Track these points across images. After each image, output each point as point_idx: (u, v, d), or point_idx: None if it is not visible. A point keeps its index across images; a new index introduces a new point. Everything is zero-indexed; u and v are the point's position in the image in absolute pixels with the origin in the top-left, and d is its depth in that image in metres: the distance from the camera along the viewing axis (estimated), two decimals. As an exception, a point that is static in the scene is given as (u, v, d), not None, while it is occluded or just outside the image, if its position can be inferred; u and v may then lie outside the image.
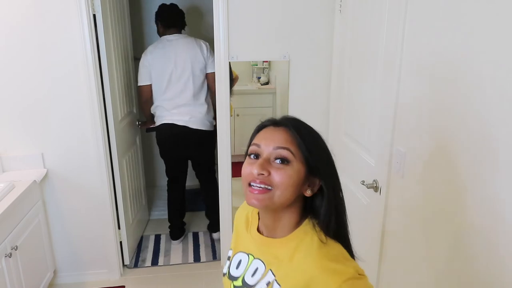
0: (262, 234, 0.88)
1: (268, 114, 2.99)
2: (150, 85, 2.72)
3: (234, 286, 0.89)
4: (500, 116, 1.04)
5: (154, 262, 2.79)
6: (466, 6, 1.16)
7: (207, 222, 3.20)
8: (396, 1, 1.55)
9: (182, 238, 3.04)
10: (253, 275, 0.85)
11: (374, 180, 1.81)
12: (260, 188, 0.79)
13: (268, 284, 0.81)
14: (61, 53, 2.20)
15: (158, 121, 2.77)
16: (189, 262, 2.80)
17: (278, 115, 0.89)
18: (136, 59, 3.13)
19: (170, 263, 2.78)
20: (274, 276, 0.80)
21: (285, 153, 0.79)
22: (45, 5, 2.12)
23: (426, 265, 1.43)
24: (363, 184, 1.86)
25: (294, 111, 2.44)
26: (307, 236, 0.81)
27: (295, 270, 0.78)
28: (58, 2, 2.12)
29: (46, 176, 2.35)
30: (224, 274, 0.94)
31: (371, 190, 1.83)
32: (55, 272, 2.53)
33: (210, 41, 2.63)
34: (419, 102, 1.43)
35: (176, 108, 2.69)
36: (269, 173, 0.78)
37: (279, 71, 2.62)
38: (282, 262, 0.81)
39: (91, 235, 2.52)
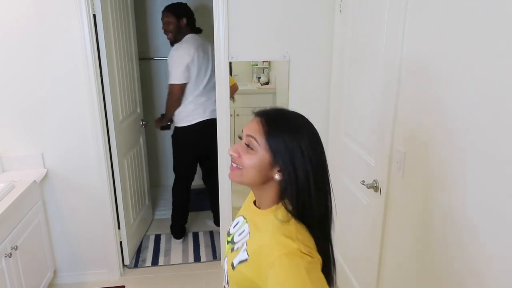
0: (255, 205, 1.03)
1: (268, 114, 3.01)
2: (185, 84, 2.71)
3: (227, 241, 1.07)
4: (498, 117, 1.04)
5: (154, 262, 2.79)
6: (466, 6, 1.16)
7: (206, 222, 3.20)
8: (396, 1, 1.55)
9: (184, 237, 3.04)
10: (239, 235, 1.00)
11: (374, 180, 1.81)
12: (234, 166, 0.96)
13: (242, 244, 0.96)
14: (61, 53, 2.20)
15: (190, 120, 2.76)
16: (189, 262, 2.80)
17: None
18: (141, 59, 3.13)
19: (170, 263, 2.78)
20: (249, 237, 0.96)
21: (251, 141, 0.92)
22: (45, 5, 2.12)
23: (426, 264, 1.43)
24: (363, 184, 1.86)
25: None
26: (274, 212, 0.93)
27: (258, 237, 0.93)
28: (58, 2, 2.13)
29: (46, 176, 2.35)
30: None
31: (371, 190, 1.83)
32: (55, 272, 2.53)
33: (209, 41, 2.64)
34: (419, 102, 1.43)
35: (213, 103, 2.73)
36: (239, 155, 0.93)
37: (279, 71, 2.62)
38: (257, 229, 0.95)
39: (91, 235, 2.52)
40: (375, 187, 1.80)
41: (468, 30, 1.16)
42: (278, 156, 0.89)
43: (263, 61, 2.83)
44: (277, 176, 0.91)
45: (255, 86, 3.01)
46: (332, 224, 0.95)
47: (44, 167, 2.35)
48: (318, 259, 0.86)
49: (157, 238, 3.08)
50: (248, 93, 3.02)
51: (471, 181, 1.16)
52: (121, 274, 2.65)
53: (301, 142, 0.89)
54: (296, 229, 0.88)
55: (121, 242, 2.67)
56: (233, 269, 0.94)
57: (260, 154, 0.91)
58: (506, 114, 1.01)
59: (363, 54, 1.95)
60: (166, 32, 2.81)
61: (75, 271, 2.57)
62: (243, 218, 1.05)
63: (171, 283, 2.58)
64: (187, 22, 2.76)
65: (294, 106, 2.42)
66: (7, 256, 1.87)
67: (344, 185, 2.25)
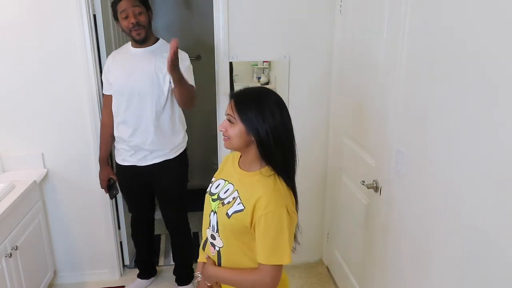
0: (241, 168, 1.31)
1: (268, 114, 3.00)
2: None
3: (212, 199, 1.32)
4: (498, 117, 1.04)
5: (154, 262, 2.79)
6: (467, 6, 1.16)
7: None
8: (396, 1, 1.55)
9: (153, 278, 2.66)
10: (225, 192, 1.28)
11: (374, 180, 1.81)
12: (225, 138, 1.25)
13: (234, 198, 1.24)
14: (61, 53, 2.20)
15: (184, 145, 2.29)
16: (189, 262, 2.79)
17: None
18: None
19: (170, 263, 2.77)
20: (238, 194, 1.24)
21: (230, 117, 1.23)
22: (45, 5, 2.12)
23: (426, 264, 1.43)
24: (363, 184, 1.86)
25: (294, 111, 2.43)
26: (270, 178, 1.20)
27: (251, 192, 1.20)
28: (58, 3, 2.12)
29: (46, 176, 2.35)
30: (206, 192, 1.37)
31: (371, 190, 1.83)
32: (55, 272, 2.53)
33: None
34: (419, 102, 1.43)
35: None
36: (226, 129, 1.23)
37: (279, 71, 2.62)
38: (248, 187, 1.23)
39: (91, 235, 2.52)
40: (375, 187, 1.80)
41: (469, 30, 1.16)
42: (247, 125, 1.19)
43: (263, 61, 2.83)
44: (253, 138, 1.20)
45: (255, 86, 3.00)
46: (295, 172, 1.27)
47: (44, 167, 2.35)
48: (295, 221, 1.21)
49: (157, 238, 3.08)
50: (248, 93, 3.02)
51: (471, 181, 1.16)
52: (121, 274, 2.65)
53: (262, 112, 1.18)
54: (284, 190, 1.19)
55: (121, 242, 2.67)
56: (228, 218, 1.22)
57: (238, 126, 1.20)
58: (507, 113, 1.01)
59: (363, 54, 1.95)
60: (135, 27, 1.95)
61: (75, 271, 2.57)
62: (224, 180, 1.33)
63: (171, 283, 2.58)
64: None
65: (294, 106, 2.43)
66: (7, 256, 1.87)
67: (344, 185, 2.25)
